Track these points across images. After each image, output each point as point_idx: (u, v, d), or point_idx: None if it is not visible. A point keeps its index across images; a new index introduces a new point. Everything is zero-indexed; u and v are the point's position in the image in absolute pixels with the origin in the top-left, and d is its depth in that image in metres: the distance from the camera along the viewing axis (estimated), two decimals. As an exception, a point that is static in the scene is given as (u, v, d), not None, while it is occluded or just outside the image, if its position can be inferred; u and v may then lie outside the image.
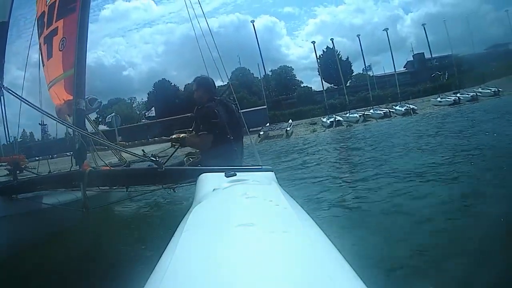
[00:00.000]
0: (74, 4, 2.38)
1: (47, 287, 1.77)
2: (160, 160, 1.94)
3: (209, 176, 1.44)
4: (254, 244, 0.60)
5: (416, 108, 20.31)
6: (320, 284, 0.45)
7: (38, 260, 1.97)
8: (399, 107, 21.15)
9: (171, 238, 0.69)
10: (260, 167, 1.72)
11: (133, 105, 42.64)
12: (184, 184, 2.64)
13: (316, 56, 32.34)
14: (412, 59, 41.19)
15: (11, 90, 2.00)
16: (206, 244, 0.62)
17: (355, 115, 21.01)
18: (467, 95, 21.44)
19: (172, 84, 40.83)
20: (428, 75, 35.23)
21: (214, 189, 1.14)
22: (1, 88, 2.10)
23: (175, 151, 2.76)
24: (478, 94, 21.31)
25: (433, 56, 36.78)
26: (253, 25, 30.56)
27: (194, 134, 2.59)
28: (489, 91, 21.74)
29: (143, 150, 2.56)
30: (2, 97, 2.17)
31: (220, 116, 2.37)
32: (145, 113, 38.53)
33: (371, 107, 22.30)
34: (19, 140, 2.69)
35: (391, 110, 20.60)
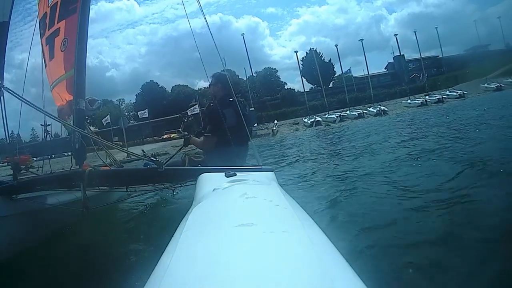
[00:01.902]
0: (75, 4, 2.38)
1: (47, 287, 1.77)
2: (160, 160, 1.94)
3: (209, 176, 1.44)
4: (254, 244, 0.60)
5: (387, 109, 22.99)
6: (320, 284, 0.45)
7: (38, 260, 1.97)
8: (372, 108, 23.96)
9: (171, 238, 0.69)
10: (260, 167, 1.72)
11: (122, 107, 43.23)
12: (184, 184, 2.65)
13: (299, 64, 36.15)
14: (393, 60, 43.75)
15: (11, 90, 2.00)
16: (206, 244, 0.62)
17: (333, 116, 23.75)
18: (434, 98, 24.40)
19: (160, 86, 42.79)
20: (408, 76, 37.69)
21: (214, 189, 1.14)
22: (1, 88, 2.10)
23: (177, 152, 2.76)
24: (444, 97, 24.43)
25: (414, 57, 39.98)
26: (243, 38, 32.84)
27: (200, 135, 2.56)
28: (455, 93, 24.97)
29: (143, 150, 2.56)
30: (2, 97, 2.17)
31: (225, 117, 2.32)
32: (133, 114, 39.65)
33: (348, 109, 25.30)
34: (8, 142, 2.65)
35: (364, 111, 23.31)
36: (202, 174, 1.53)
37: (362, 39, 32.20)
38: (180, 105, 33.24)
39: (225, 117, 2.33)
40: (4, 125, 2.28)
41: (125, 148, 2.56)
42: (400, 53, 38.62)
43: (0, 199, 2.06)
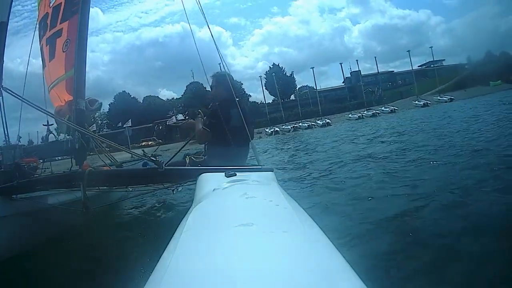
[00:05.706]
0: (77, 6, 2.39)
1: (47, 287, 1.77)
2: (160, 160, 1.94)
3: (209, 176, 1.43)
4: (254, 244, 0.60)
5: (330, 122, 29.71)
6: (320, 284, 0.45)
7: (37, 260, 1.97)
8: (320, 121, 31.07)
9: (171, 238, 0.69)
10: (260, 167, 1.73)
11: (95, 115, 44.75)
12: (184, 184, 2.65)
13: (262, 87, 44.29)
14: (350, 75, 49.03)
15: (10, 91, 2.00)
16: (206, 244, 0.62)
17: (288, 126, 31.85)
18: (369, 112, 30.90)
19: (132, 97, 46.69)
20: (362, 90, 42.25)
21: (214, 189, 1.14)
22: (0, 88, 2.10)
23: (178, 151, 2.76)
24: (378, 112, 30.54)
25: (380, 67, 46.69)
26: (225, 63, 34.03)
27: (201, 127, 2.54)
28: (388, 109, 31.72)
29: (143, 150, 2.56)
30: (1, 98, 2.17)
31: (231, 118, 2.31)
32: (106, 122, 43.34)
33: (300, 121, 33.44)
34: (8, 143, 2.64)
35: (313, 123, 30.54)
36: (202, 174, 1.53)
37: (313, 67, 40.94)
38: (152, 115, 36.56)
39: (231, 117, 2.31)
40: (3, 125, 2.28)
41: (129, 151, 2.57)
42: (348, 69, 46.40)
43: (0, 199, 2.06)
